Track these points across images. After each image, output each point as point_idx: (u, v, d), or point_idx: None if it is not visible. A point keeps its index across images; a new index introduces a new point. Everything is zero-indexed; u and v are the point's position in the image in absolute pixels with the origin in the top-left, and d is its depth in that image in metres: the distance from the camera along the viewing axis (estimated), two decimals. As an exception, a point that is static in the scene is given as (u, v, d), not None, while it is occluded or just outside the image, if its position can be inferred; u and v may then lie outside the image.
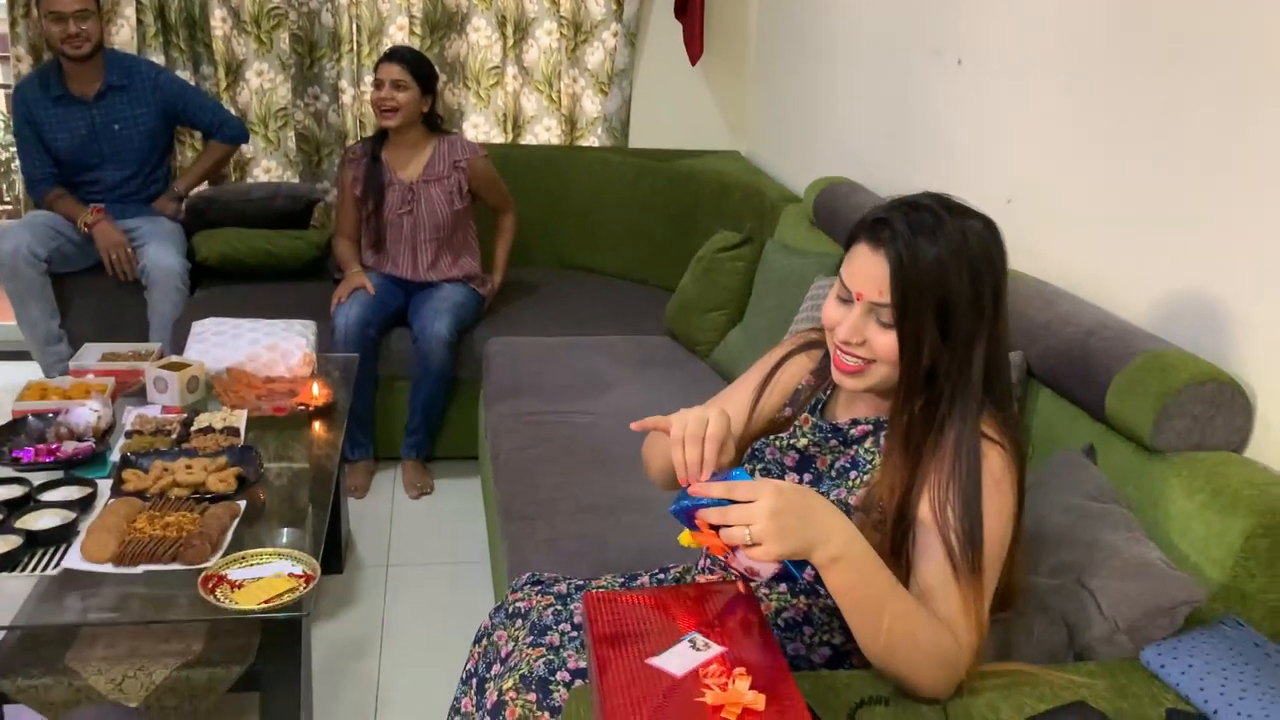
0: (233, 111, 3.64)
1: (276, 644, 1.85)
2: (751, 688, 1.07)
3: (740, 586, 1.28)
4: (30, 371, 3.59)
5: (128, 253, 3.31)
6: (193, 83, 3.70)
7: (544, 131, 4.01)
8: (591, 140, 4.03)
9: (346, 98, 3.79)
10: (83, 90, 3.31)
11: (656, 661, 1.13)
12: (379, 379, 3.15)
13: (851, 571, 1.13)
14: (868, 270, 1.26)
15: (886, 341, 1.27)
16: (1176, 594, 1.33)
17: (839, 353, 1.32)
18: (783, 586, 1.41)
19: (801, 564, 1.13)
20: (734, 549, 1.13)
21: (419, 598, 2.62)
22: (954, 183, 2.42)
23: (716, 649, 1.15)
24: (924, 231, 1.23)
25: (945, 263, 1.23)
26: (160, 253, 3.32)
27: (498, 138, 3.98)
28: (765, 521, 1.08)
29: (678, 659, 1.13)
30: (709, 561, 1.50)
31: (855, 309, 1.28)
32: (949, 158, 2.46)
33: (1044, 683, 1.28)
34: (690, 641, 1.16)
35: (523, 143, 4.01)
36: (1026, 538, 1.42)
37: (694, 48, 3.86)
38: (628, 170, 3.80)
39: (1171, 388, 1.49)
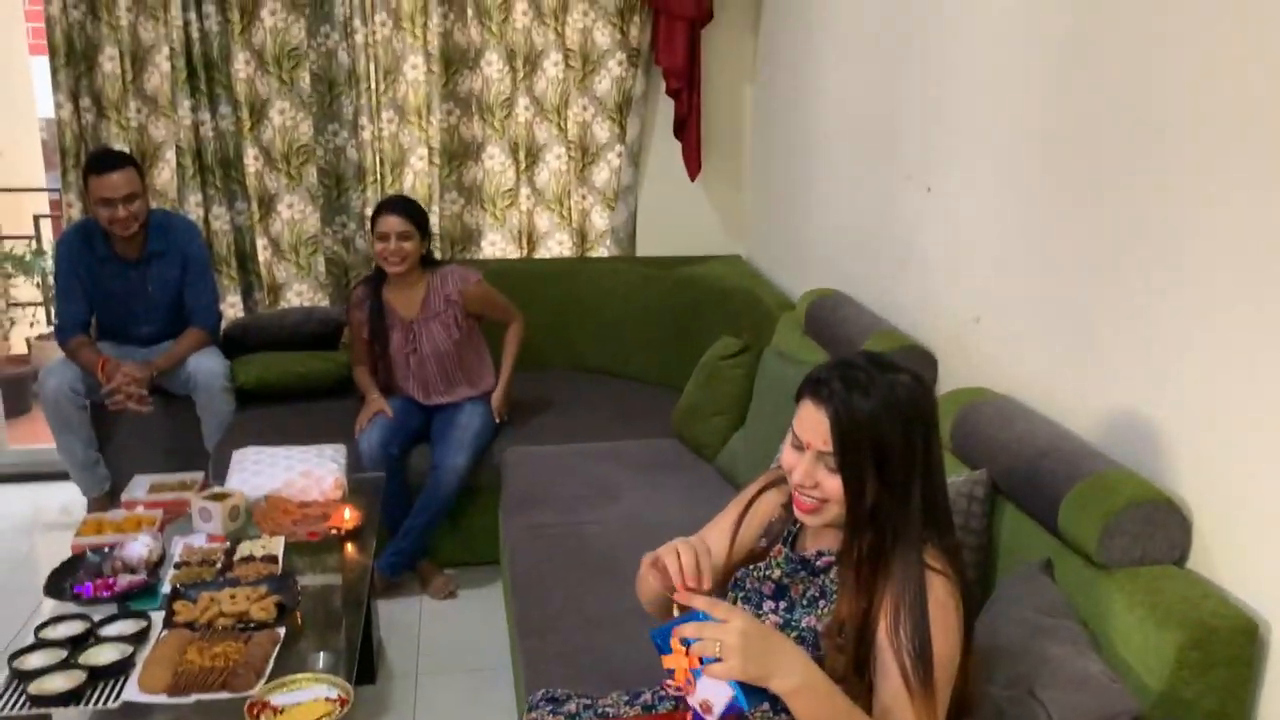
0: (218, 303, 3.81)
1: (316, 761, 2.01)
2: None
3: None
4: (66, 491, 3.82)
5: (139, 379, 3.46)
6: (228, 216, 3.97)
7: (556, 245, 4.25)
8: (601, 251, 4.27)
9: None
10: (126, 253, 3.55)
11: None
12: (410, 491, 3.33)
13: (810, 701, 1.31)
14: (812, 423, 1.46)
15: (835, 484, 1.46)
16: (1116, 705, 1.47)
17: (797, 493, 1.50)
18: (765, 705, 1.56)
19: (754, 695, 1.30)
20: (691, 681, 1.30)
21: (447, 707, 2.78)
22: (928, 300, 2.62)
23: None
24: (857, 388, 1.43)
25: (878, 414, 1.42)
26: (201, 359, 3.57)
27: (514, 253, 4.22)
28: (735, 639, 1.28)
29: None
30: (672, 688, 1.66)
31: (806, 456, 1.47)
32: (923, 276, 2.66)
33: (1000, 790, 1.44)
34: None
35: (537, 256, 4.25)
36: (982, 650, 1.58)
37: (692, 164, 4.11)
38: (635, 278, 4.02)
39: (1113, 508, 1.65)
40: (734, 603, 1.62)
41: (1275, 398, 1.52)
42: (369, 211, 4.02)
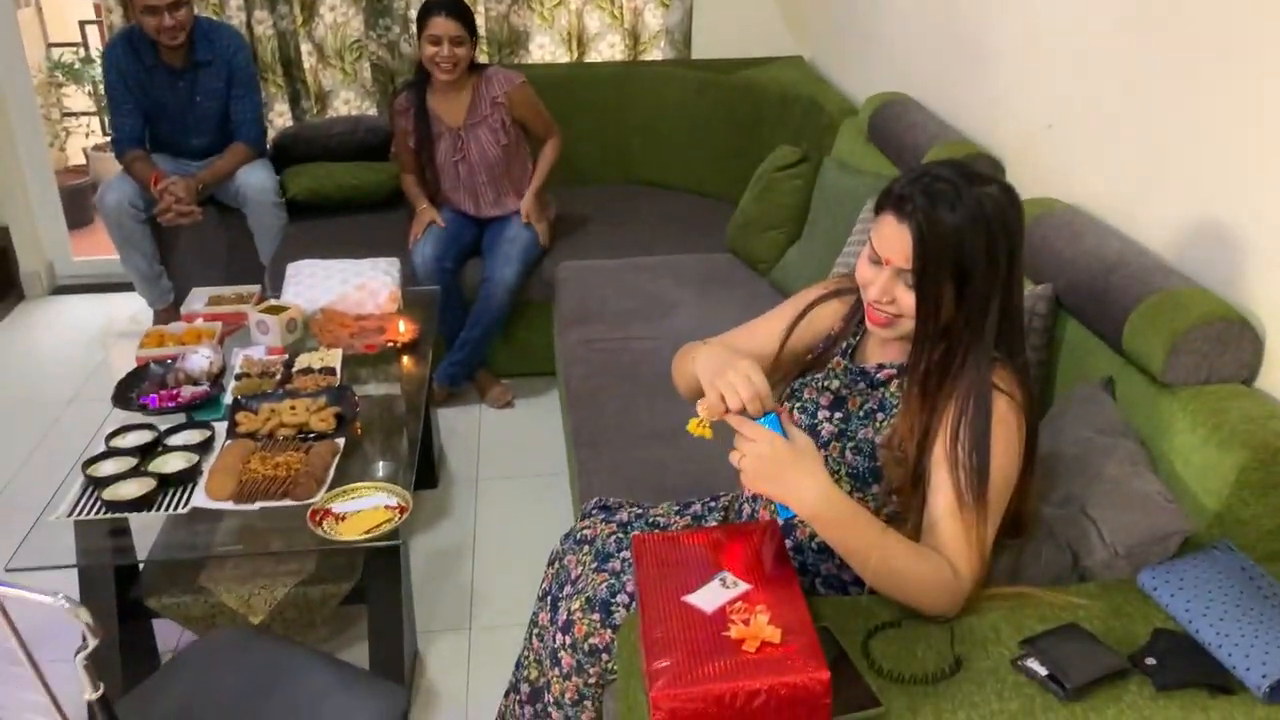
0: (263, 117, 3.74)
1: (379, 565, 2.10)
2: (770, 622, 1.25)
3: (768, 520, 1.45)
4: (131, 302, 3.91)
5: (184, 195, 3.44)
6: (270, 21, 3.86)
7: (608, 48, 4.08)
8: (655, 54, 4.09)
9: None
10: (172, 61, 3.48)
11: (690, 599, 1.32)
12: (465, 304, 3.34)
13: (830, 527, 1.33)
14: (894, 240, 1.39)
15: (912, 300, 1.41)
16: (1169, 525, 1.46)
17: (872, 307, 1.46)
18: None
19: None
20: None
21: (506, 510, 2.87)
22: (999, 105, 2.48)
23: (743, 587, 1.33)
24: (943, 202, 1.35)
25: (963, 230, 1.35)
26: (249, 174, 3.55)
27: (563, 57, 4.07)
28: (750, 460, 1.31)
29: (708, 596, 1.32)
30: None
31: (884, 272, 1.42)
32: (994, 79, 2.50)
33: (1045, 604, 1.44)
34: (721, 580, 1.35)
35: (587, 60, 4.09)
36: (1040, 468, 1.56)
37: (753, -45, 3.87)
38: (690, 84, 3.86)
39: (1180, 327, 1.59)
40: (790, 410, 1.61)
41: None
42: (412, 14, 3.88)
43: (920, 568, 1.36)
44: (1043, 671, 1.31)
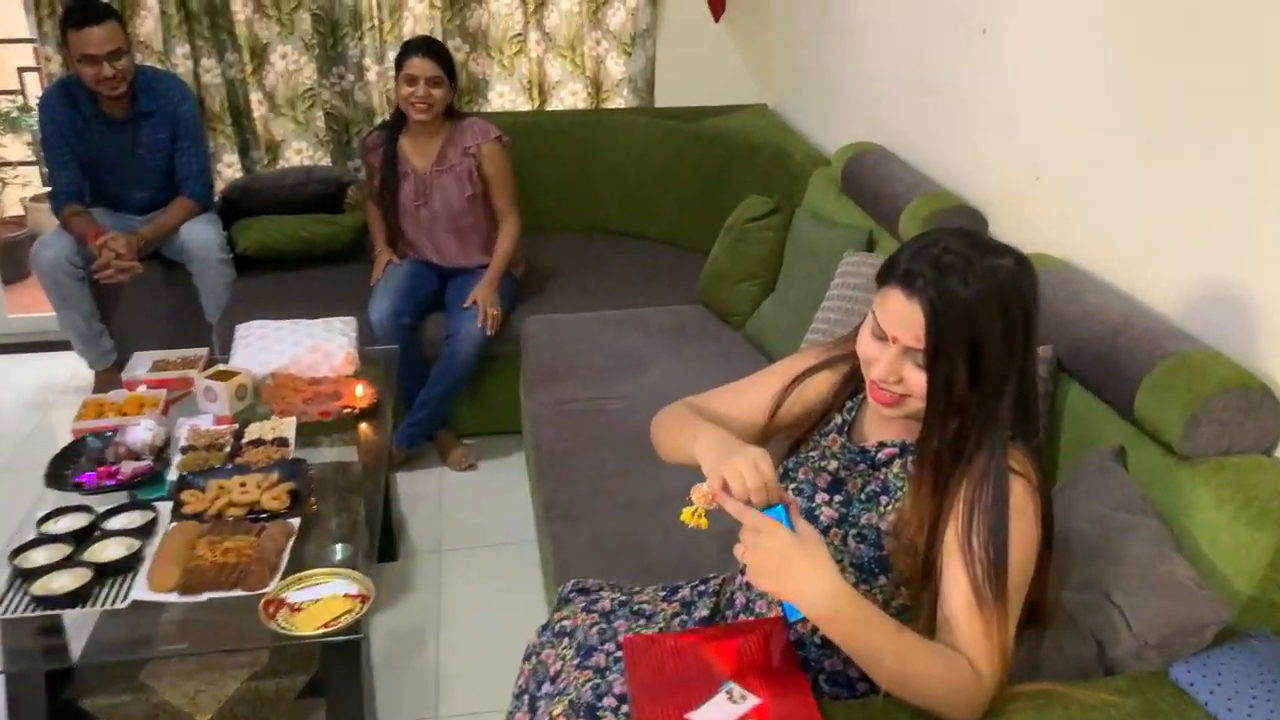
0: (209, 170, 3.60)
1: (338, 657, 1.93)
2: (787, 745, 1.12)
3: (771, 617, 1.32)
4: (70, 362, 3.71)
5: (124, 252, 3.24)
6: (219, 69, 3.72)
7: (569, 96, 3.99)
8: (618, 102, 4.00)
9: (371, 75, 3.79)
10: (113, 111, 3.32)
11: (695, 716, 1.18)
12: (426, 361, 3.20)
13: (837, 629, 1.21)
14: (902, 317, 1.28)
15: (921, 380, 1.30)
16: (1205, 614, 1.35)
17: (875, 386, 1.35)
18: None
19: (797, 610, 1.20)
20: None
21: (473, 582, 2.71)
22: (980, 156, 2.41)
23: (753, 701, 1.20)
24: (954, 276, 1.25)
25: (977, 307, 1.25)
26: (194, 229, 3.38)
27: (523, 105, 3.97)
28: (757, 554, 1.20)
29: (716, 714, 1.19)
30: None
31: (890, 350, 1.31)
32: (975, 130, 2.43)
33: (1074, 703, 1.33)
34: (728, 693, 1.22)
35: (549, 109, 3.99)
36: (1056, 549, 1.45)
37: (716, 4, 3.80)
38: (655, 131, 3.77)
39: (1201, 395, 1.50)
40: (787, 514, 1.49)
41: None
42: (367, 60, 3.77)
43: (939, 670, 1.24)
44: (1084, 787, 1.19)
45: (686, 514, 1.29)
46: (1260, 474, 1.47)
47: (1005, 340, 1.27)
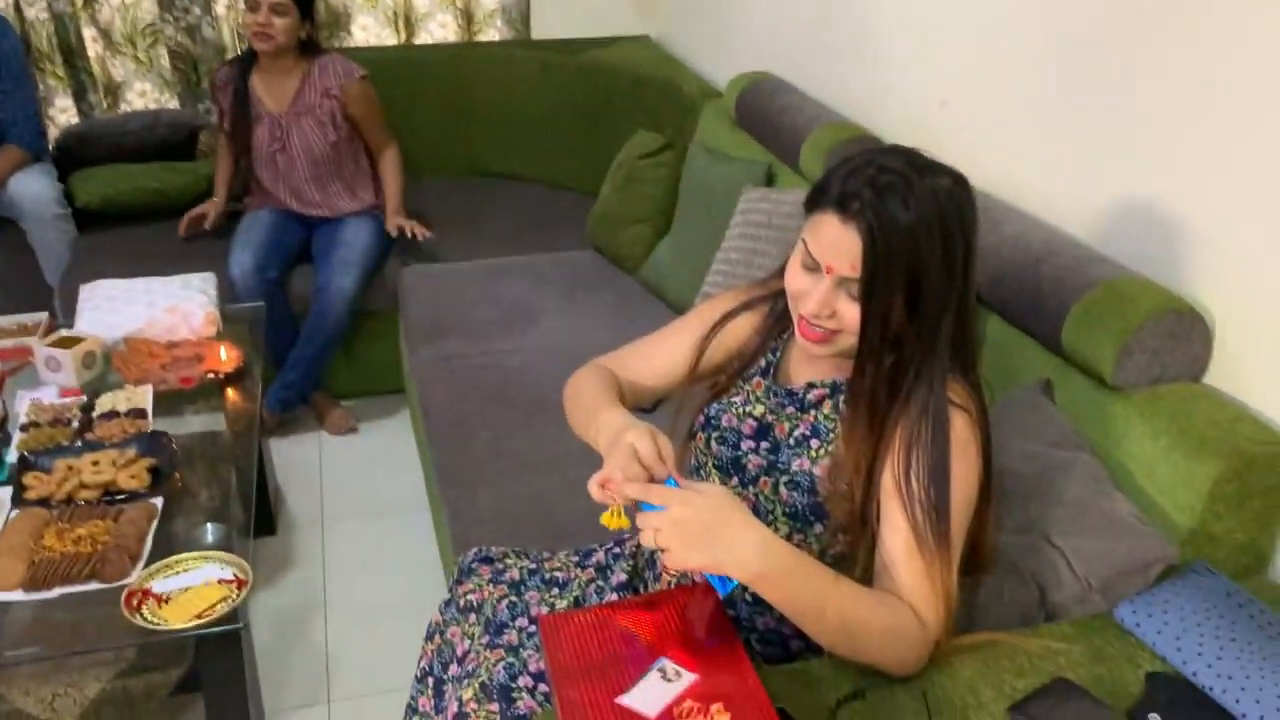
0: (39, 115, 3.23)
1: (215, 648, 1.74)
2: (732, 727, 1.01)
3: (701, 585, 1.21)
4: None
5: None
6: (45, 3, 3.34)
7: (439, 29, 3.75)
8: (491, 34, 3.78)
9: (220, 7, 3.48)
10: None
11: (627, 701, 1.06)
12: (295, 318, 2.97)
13: (777, 586, 1.09)
14: (838, 244, 1.17)
15: (856, 314, 1.20)
16: (1149, 553, 1.29)
17: (806, 323, 1.23)
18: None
19: (727, 580, 1.08)
20: None
21: (361, 554, 2.53)
22: (884, 83, 2.31)
23: (689, 678, 1.08)
24: (895, 198, 1.14)
25: (918, 231, 1.14)
26: (25, 181, 3.04)
27: (389, 39, 3.71)
28: (670, 528, 1.06)
29: (649, 695, 1.07)
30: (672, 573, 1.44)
31: (824, 283, 1.20)
32: (879, 55, 2.33)
33: (1021, 653, 1.26)
34: (660, 671, 1.10)
35: (417, 43, 3.74)
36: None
37: (593, -71, 3.61)
38: (532, 65, 3.56)
39: (1132, 323, 1.44)
40: (707, 442, 1.38)
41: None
42: (214, -7, 3.45)
43: (882, 619, 1.15)
44: (1042, 745, 1.11)
45: (606, 516, 1.17)
46: (1195, 403, 1.42)
47: (945, 267, 1.17)
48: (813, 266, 1.21)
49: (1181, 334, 1.45)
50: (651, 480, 1.13)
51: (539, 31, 3.82)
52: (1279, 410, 1.40)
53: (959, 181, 1.19)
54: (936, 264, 1.16)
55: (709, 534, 1.06)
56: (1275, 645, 1.21)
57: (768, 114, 2.55)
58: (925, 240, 1.14)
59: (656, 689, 1.07)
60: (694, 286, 2.52)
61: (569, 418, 1.42)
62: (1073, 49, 1.71)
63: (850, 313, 1.20)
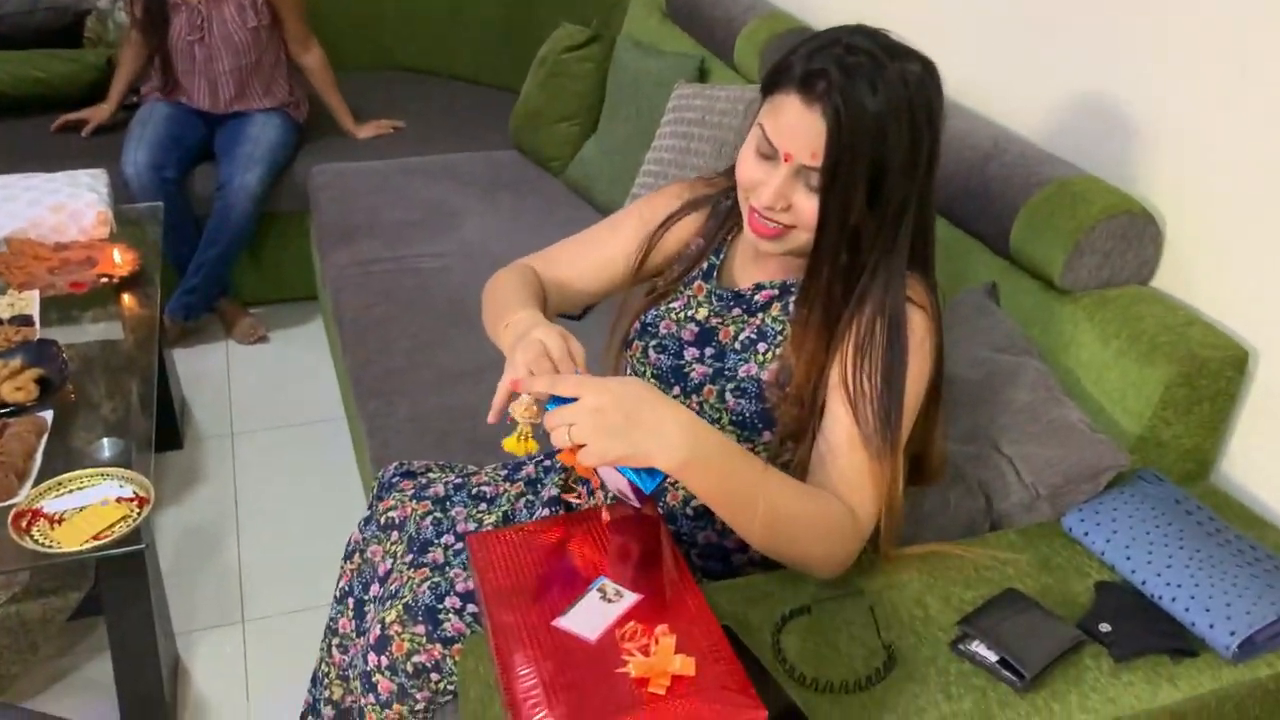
0: None
1: (116, 571, 1.63)
2: (678, 648, 0.95)
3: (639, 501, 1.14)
4: None
5: None
6: None
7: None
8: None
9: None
10: None
11: (564, 623, 0.99)
12: (198, 220, 2.79)
13: (706, 474, 1.01)
14: (798, 128, 1.08)
15: (813, 207, 1.11)
16: (1101, 460, 1.26)
17: (757, 216, 1.15)
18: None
19: (653, 474, 1.00)
20: (594, 472, 1.03)
21: (272, 468, 2.42)
22: (823, -28, 2.19)
23: (630, 598, 1.02)
24: (863, 81, 1.05)
25: (885, 119, 1.06)
26: None
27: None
28: (585, 418, 0.97)
29: (588, 616, 1.00)
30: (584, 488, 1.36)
31: (780, 171, 1.11)
32: (816, -59, 2.21)
33: (968, 563, 1.22)
34: (600, 591, 1.03)
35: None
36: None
37: None
38: (445, -50, 3.35)
39: (1084, 223, 1.38)
40: (644, 351, 1.29)
41: (1275, 85, 1.24)
42: None
43: (811, 512, 1.09)
44: (992, 657, 1.08)
45: (510, 441, 1.08)
46: (1144, 306, 1.38)
47: (910, 160, 1.09)
48: (769, 154, 1.12)
49: (1134, 236, 1.41)
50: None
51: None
52: (1226, 314, 1.37)
53: (928, 68, 1.10)
54: (902, 156, 1.08)
55: (629, 420, 0.97)
56: (1224, 552, 1.19)
57: (699, 5, 2.43)
58: (893, 130, 1.06)
59: (596, 610, 1.00)
60: (623, 187, 2.41)
61: (484, 318, 1.32)
62: (1026, -66, 1.63)
63: (808, 206, 1.11)
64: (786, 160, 1.09)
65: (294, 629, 1.97)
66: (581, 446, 0.97)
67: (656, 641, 0.95)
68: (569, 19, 2.85)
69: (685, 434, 0.99)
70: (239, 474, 2.40)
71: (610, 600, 1.02)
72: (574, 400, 0.98)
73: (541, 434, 1.05)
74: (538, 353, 1.07)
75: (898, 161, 1.08)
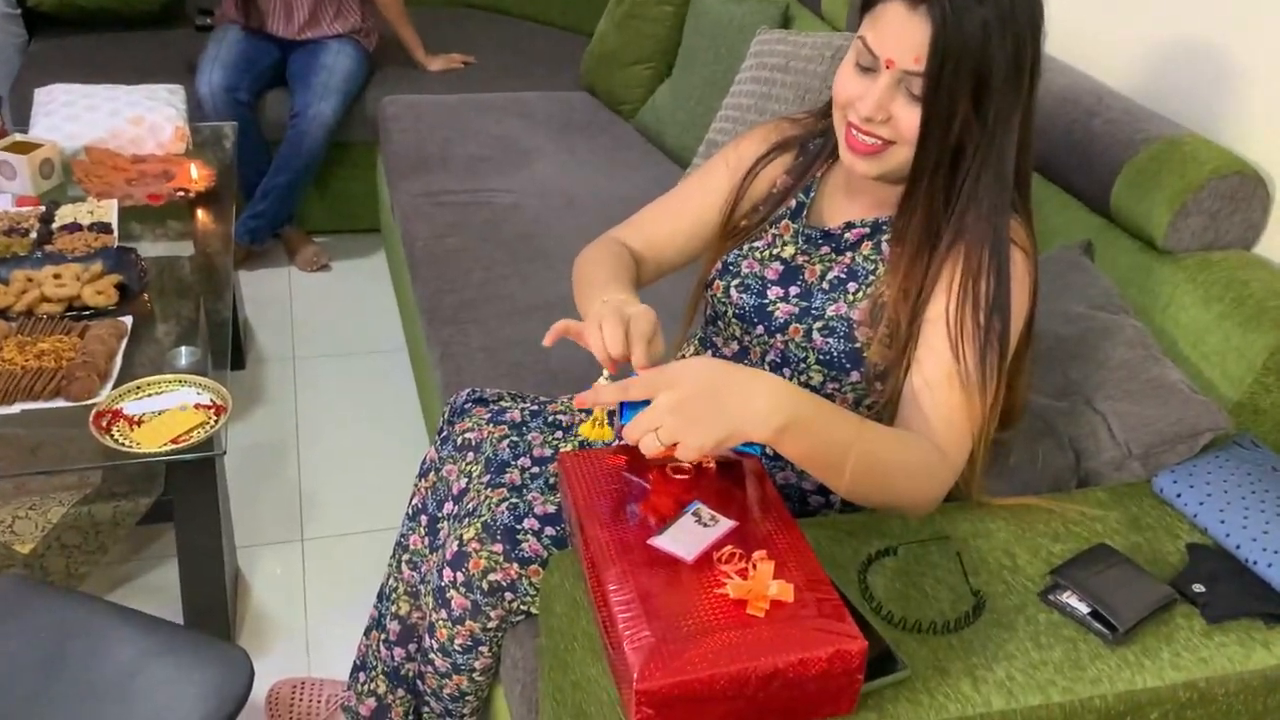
0: None
1: (189, 478, 1.65)
2: (776, 575, 0.94)
3: None
4: None
5: None
6: None
7: None
8: None
9: None
10: None
11: (660, 543, 0.98)
12: (267, 145, 2.79)
13: (803, 437, 0.99)
14: (901, 33, 1.06)
15: (913, 119, 1.09)
16: (1200, 421, 1.23)
17: (855, 131, 1.13)
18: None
19: (752, 445, 0.99)
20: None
21: (333, 395, 2.43)
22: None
23: (725, 524, 1.01)
24: None
25: (990, 28, 1.04)
26: None
27: None
28: (668, 418, 0.95)
29: (684, 538, 0.99)
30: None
31: (882, 79, 1.09)
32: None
33: (1057, 518, 1.20)
34: (695, 515, 1.02)
35: None
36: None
37: None
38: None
39: (1193, 183, 1.35)
40: (725, 290, 1.28)
41: None
42: None
43: (904, 458, 1.08)
44: (1083, 609, 1.07)
45: (586, 427, 1.08)
46: (1250, 270, 1.34)
47: (1014, 74, 1.07)
48: (870, 65, 1.10)
49: (1242, 198, 1.37)
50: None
51: None
52: (1332, 285, 1.34)
53: None
54: (1006, 66, 1.06)
55: (714, 404, 0.95)
56: (1322, 521, 1.16)
57: (790, -50, 2.38)
58: (997, 37, 1.04)
59: (691, 532, 1.00)
60: (696, 134, 2.38)
61: (575, 295, 1.30)
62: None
63: (908, 119, 1.09)
64: (888, 67, 1.07)
65: (351, 550, 1.99)
66: (675, 445, 0.95)
67: (755, 566, 0.95)
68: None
69: (775, 400, 0.97)
70: (299, 397, 2.41)
71: (705, 525, 1.01)
72: (647, 404, 0.96)
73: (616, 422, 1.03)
74: (616, 319, 1.06)
75: (1001, 72, 1.06)
